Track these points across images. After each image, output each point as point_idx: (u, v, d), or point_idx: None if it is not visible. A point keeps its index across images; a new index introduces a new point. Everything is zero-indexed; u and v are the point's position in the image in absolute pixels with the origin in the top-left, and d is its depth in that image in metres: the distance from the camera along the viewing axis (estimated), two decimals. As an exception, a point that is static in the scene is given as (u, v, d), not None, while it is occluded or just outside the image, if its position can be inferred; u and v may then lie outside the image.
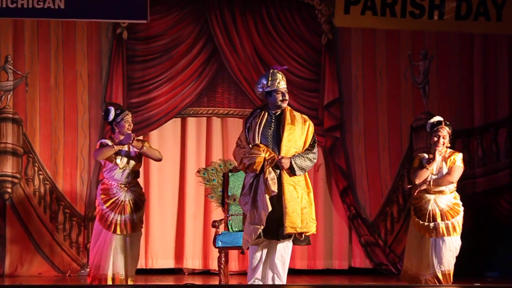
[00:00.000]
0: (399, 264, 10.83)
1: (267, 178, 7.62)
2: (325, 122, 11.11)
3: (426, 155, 8.80)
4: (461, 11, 10.83)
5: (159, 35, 11.09)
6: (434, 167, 8.67)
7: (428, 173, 8.65)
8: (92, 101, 10.96)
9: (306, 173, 7.85)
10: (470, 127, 11.24)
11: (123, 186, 8.83)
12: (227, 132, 11.13)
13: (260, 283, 7.79)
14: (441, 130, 8.70)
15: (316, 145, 7.90)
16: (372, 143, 11.20)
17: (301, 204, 7.71)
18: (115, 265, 8.73)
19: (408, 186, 8.82)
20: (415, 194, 8.78)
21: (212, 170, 9.69)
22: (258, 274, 7.80)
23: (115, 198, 8.78)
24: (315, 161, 7.85)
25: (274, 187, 7.62)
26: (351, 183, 11.11)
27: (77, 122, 10.94)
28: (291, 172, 7.71)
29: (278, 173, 7.70)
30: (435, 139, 8.69)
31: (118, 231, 8.71)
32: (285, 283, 7.85)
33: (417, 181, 8.67)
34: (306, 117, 7.96)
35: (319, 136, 11.06)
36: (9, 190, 10.73)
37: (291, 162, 7.69)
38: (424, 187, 8.68)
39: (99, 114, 10.86)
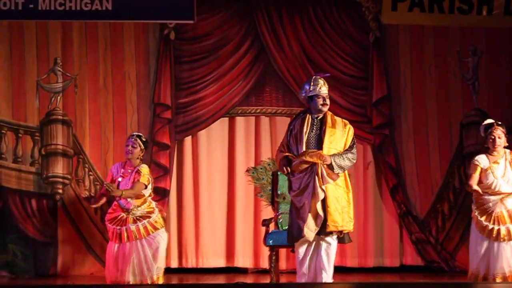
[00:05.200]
0: (451, 262, 10.80)
1: (323, 174, 7.96)
2: (373, 120, 11.04)
3: (484, 156, 8.75)
4: (510, 6, 10.77)
5: (206, 35, 11.09)
6: (499, 171, 8.71)
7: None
8: (140, 102, 10.98)
9: (347, 174, 8.17)
10: (522, 123, 11.13)
11: (125, 210, 8.91)
12: (275, 131, 11.08)
13: (306, 276, 8.07)
14: (495, 131, 8.73)
15: (355, 146, 8.21)
16: (422, 140, 11.11)
17: (342, 203, 8.05)
18: (126, 273, 8.78)
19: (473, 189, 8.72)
20: (479, 196, 8.71)
21: (261, 169, 9.74)
22: (305, 269, 8.10)
23: (118, 214, 8.91)
24: (354, 161, 8.18)
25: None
26: (401, 180, 11.03)
27: (126, 123, 10.96)
28: (330, 169, 8.00)
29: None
30: (491, 139, 8.71)
31: (118, 240, 8.82)
32: (331, 277, 8.09)
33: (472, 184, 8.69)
34: (346, 121, 8.31)
35: (368, 133, 11.04)
36: (60, 191, 10.79)
37: (330, 160, 7.99)
38: (489, 192, 8.66)
39: (148, 115, 10.92)
